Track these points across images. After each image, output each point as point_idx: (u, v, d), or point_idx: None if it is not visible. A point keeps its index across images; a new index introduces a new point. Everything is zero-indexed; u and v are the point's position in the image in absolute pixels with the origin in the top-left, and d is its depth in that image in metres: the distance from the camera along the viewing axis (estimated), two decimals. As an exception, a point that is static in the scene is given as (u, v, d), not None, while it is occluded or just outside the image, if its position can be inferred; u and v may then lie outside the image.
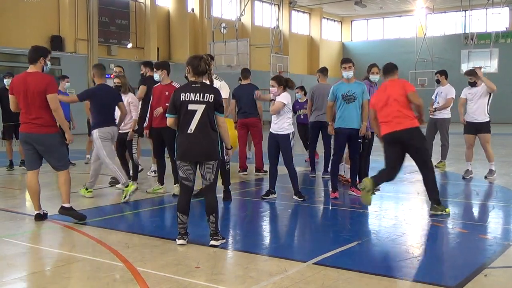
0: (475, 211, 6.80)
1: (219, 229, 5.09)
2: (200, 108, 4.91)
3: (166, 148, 7.73)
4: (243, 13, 26.57)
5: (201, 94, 4.93)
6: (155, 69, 7.84)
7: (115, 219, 6.44)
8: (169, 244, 5.08)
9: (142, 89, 8.88)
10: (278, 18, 28.73)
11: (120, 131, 8.08)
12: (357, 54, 37.98)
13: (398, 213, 6.71)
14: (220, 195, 7.42)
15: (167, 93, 7.64)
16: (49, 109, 5.83)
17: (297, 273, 4.22)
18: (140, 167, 8.94)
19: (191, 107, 4.92)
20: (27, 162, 6.08)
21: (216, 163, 5.02)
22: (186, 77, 5.22)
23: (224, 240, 5.07)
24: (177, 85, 7.74)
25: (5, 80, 10.58)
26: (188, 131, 4.94)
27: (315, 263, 4.44)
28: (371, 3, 34.74)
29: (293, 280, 4.03)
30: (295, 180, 7.22)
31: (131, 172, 8.47)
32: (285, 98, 7.11)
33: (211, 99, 4.93)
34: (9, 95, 5.97)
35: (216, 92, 5.03)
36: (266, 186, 8.20)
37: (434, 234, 5.61)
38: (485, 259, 4.63)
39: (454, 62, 30.07)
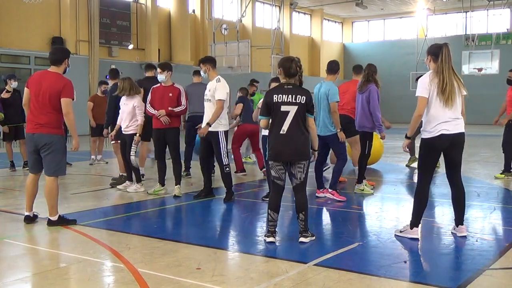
0: (476, 212, 6.79)
1: (308, 226, 5.21)
2: (292, 109, 5.05)
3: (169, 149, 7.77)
4: (244, 14, 26.55)
5: (294, 95, 5.07)
6: (160, 70, 7.71)
7: (116, 220, 6.45)
8: (170, 245, 5.08)
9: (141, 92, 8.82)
10: (279, 19, 28.72)
11: (123, 132, 8.08)
12: (358, 55, 38.01)
13: (399, 214, 6.71)
14: (222, 196, 7.44)
15: (171, 94, 7.63)
16: (58, 112, 5.70)
17: (298, 274, 4.22)
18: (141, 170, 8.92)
19: (284, 108, 5.06)
20: (30, 164, 5.98)
21: (308, 162, 5.18)
22: (277, 78, 5.42)
23: (314, 238, 5.21)
24: (179, 87, 7.74)
25: (12, 83, 10.58)
26: (281, 132, 5.07)
27: (316, 264, 4.45)
28: (372, 5, 34.73)
29: (294, 281, 4.03)
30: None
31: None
32: None
33: (303, 101, 5.07)
34: (25, 88, 5.84)
35: (308, 93, 5.18)
36: (267, 187, 8.21)
37: (435, 235, 5.60)
38: (485, 261, 4.63)
39: (455, 64, 29.52)
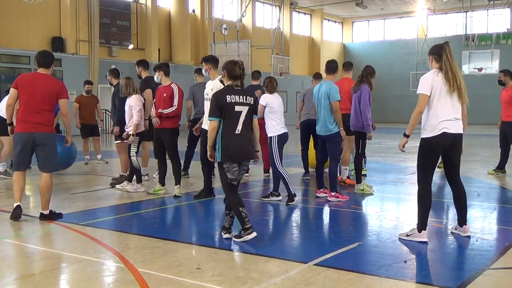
0: (476, 212, 6.79)
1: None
2: (244, 110, 5.16)
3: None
4: (244, 14, 26.57)
5: (244, 96, 5.20)
6: (154, 71, 7.94)
7: (116, 220, 6.45)
8: (170, 245, 5.08)
9: (149, 92, 8.50)
10: (279, 19, 28.76)
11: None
12: (358, 55, 38.02)
13: (399, 214, 6.71)
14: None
15: (165, 94, 7.65)
16: (51, 111, 6.06)
17: (298, 274, 4.22)
18: (144, 172, 8.89)
19: (237, 108, 5.13)
20: (18, 162, 6.08)
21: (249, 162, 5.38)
22: (222, 81, 5.45)
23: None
24: (173, 86, 7.72)
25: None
26: (236, 132, 5.12)
27: (316, 264, 4.45)
28: (372, 4, 34.75)
29: (294, 281, 4.03)
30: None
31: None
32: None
33: (251, 102, 5.23)
34: (11, 89, 6.02)
35: (254, 95, 5.41)
36: (268, 187, 8.22)
37: (435, 235, 5.60)
38: (485, 260, 4.63)
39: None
